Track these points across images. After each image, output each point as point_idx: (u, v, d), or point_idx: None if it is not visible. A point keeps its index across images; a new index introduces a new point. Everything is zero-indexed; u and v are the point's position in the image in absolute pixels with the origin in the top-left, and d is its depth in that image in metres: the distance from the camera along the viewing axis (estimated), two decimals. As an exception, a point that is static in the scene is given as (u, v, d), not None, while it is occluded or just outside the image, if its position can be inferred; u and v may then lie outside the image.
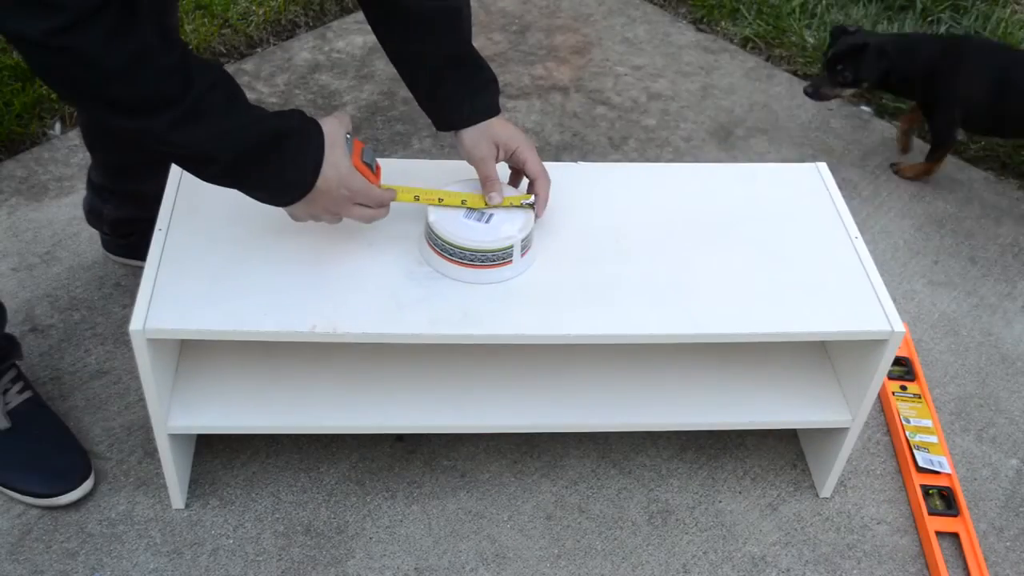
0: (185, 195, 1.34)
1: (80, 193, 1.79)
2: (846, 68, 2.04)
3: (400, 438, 1.55)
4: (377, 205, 1.22)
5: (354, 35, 2.45)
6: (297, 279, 1.25)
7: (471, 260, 1.24)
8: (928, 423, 1.63)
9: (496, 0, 2.64)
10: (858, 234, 1.41)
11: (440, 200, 1.29)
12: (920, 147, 2.20)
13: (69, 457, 1.43)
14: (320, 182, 1.14)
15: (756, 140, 2.24)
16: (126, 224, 1.67)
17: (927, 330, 1.82)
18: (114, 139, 1.35)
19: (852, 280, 1.34)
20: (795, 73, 2.48)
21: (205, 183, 1.35)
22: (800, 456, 1.59)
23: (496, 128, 1.30)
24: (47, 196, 1.89)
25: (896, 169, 2.16)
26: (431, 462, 1.52)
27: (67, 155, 1.98)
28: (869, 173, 2.18)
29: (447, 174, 1.43)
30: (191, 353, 1.39)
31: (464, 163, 1.33)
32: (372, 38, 2.42)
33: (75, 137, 2.02)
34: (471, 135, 1.30)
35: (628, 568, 1.41)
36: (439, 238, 1.25)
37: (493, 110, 1.31)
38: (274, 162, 1.12)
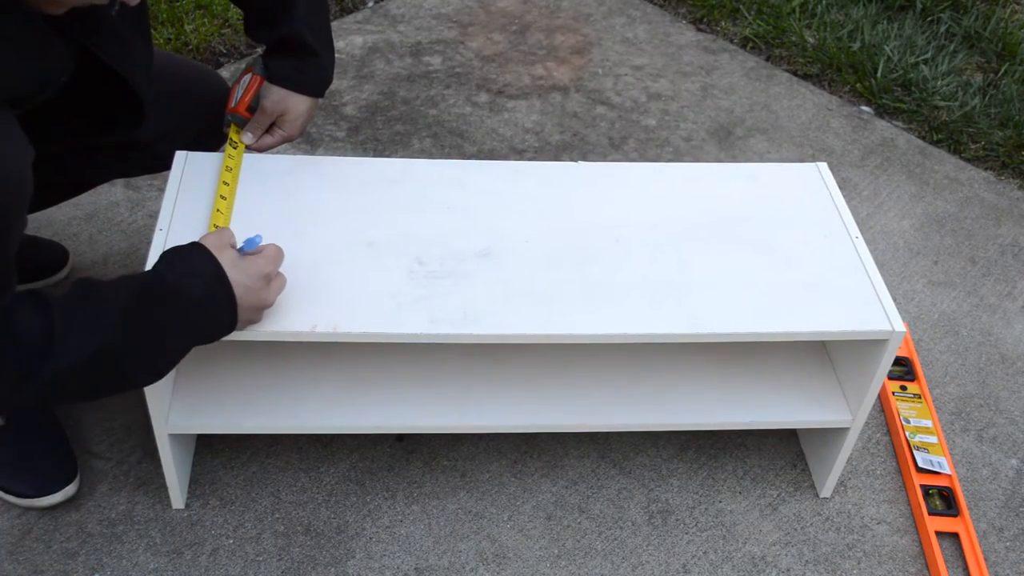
0: (185, 195, 1.33)
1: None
2: None
3: (400, 438, 1.55)
4: (277, 266, 1.19)
5: (354, 35, 2.45)
6: (297, 279, 1.25)
7: None
8: (928, 423, 1.63)
9: (496, 0, 2.64)
10: (858, 234, 1.41)
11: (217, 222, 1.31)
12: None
13: (56, 459, 1.42)
14: (233, 286, 1.11)
15: (756, 140, 2.24)
16: None
17: (927, 330, 1.82)
18: None
19: (852, 280, 1.34)
20: (795, 73, 2.48)
21: (203, 185, 1.36)
22: (800, 456, 1.59)
23: (293, 101, 1.42)
24: (47, 196, 1.89)
25: None
26: (431, 462, 1.52)
27: (67, 155, 1.99)
28: (869, 173, 2.18)
29: (445, 174, 1.44)
30: (191, 353, 1.39)
31: (465, 163, 1.33)
32: (372, 38, 2.43)
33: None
34: (279, 93, 1.41)
35: (628, 568, 1.42)
36: None
37: (301, 87, 1.42)
38: (170, 297, 1.08)
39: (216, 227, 1.26)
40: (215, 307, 1.11)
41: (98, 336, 1.03)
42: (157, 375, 1.13)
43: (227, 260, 1.12)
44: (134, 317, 1.05)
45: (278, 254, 1.19)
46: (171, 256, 1.12)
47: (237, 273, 1.11)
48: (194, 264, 1.11)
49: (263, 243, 1.19)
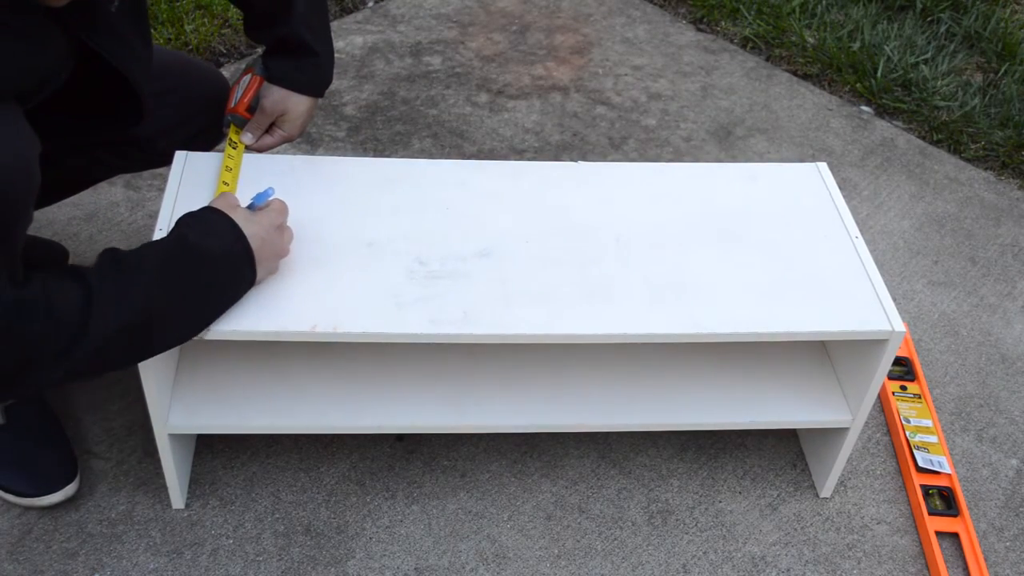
0: (185, 196, 1.33)
1: (80, 193, 1.79)
2: None
3: (400, 438, 1.55)
4: (286, 217, 1.26)
5: (354, 35, 2.45)
6: (297, 279, 1.25)
7: None
8: (928, 423, 1.63)
9: (496, 0, 2.64)
10: (858, 234, 1.41)
11: (225, 184, 1.36)
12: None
13: (56, 458, 1.42)
14: (249, 240, 1.17)
15: (756, 140, 2.24)
16: None
17: (927, 330, 1.82)
18: None
19: (852, 280, 1.34)
20: (795, 73, 2.48)
21: (203, 185, 1.36)
22: (800, 456, 1.59)
23: (292, 101, 1.42)
24: (47, 196, 1.89)
25: None
26: (431, 462, 1.52)
27: (67, 155, 1.98)
28: (869, 173, 2.18)
29: (445, 174, 1.44)
30: (191, 353, 1.39)
31: (465, 163, 1.33)
32: (372, 38, 2.43)
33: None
34: (279, 93, 1.42)
35: (628, 568, 1.42)
36: None
37: (300, 87, 1.43)
38: (193, 257, 1.13)
39: (221, 192, 1.29)
40: (236, 263, 1.16)
41: (133, 303, 1.07)
42: (187, 336, 1.16)
43: (240, 217, 1.17)
44: (164, 280, 1.10)
45: (284, 206, 1.26)
46: (189, 220, 1.17)
47: (253, 227, 1.18)
48: (211, 225, 1.16)
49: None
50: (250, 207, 1.23)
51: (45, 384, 1.08)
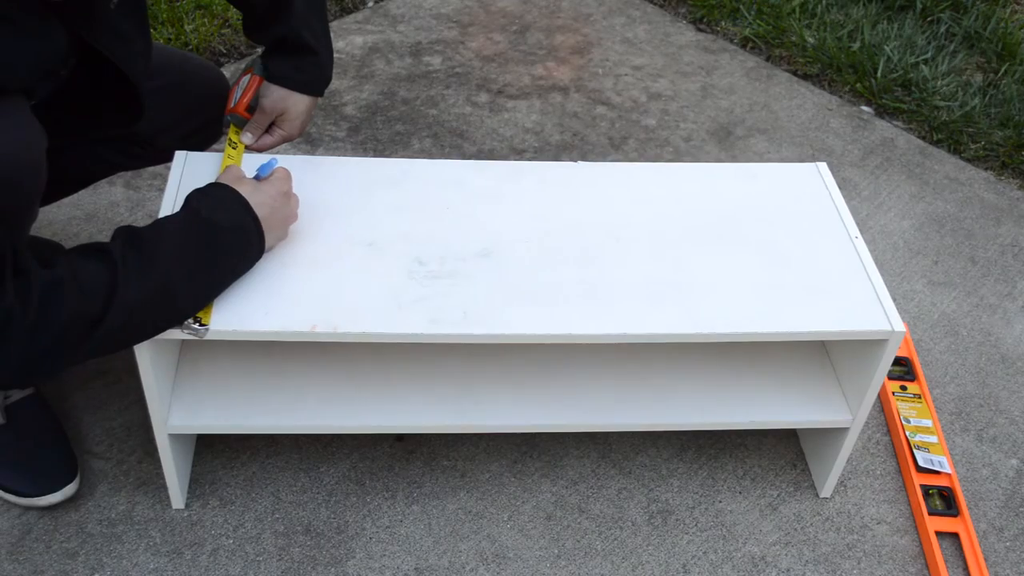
0: (185, 195, 1.33)
1: (79, 193, 1.79)
2: None
3: (400, 438, 1.55)
4: (290, 184, 1.31)
5: (354, 35, 2.45)
6: (297, 279, 1.25)
7: None
8: (928, 423, 1.63)
9: (496, 0, 2.64)
10: (858, 234, 1.41)
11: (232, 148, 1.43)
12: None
13: (56, 459, 1.42)
14: (257, 209, 1.22)
15: (756, 140, 2.24)
16: None
17: (927, 330, 1.82)
18: None
19: (852, 280, 1.34)
20: (795, 73, 2.48)
21: (202, 184, 1.37)
22: (800, 456, 1.59)
23: (292, 100, 1.44)
24: (47, 196, 1.89)
25: None
26: (431, 462, 1.52)
27: (67, 155, 1.98)
28: (869, 173, 2.18)
29: (445, 174, 1.44)
30: (191, 353, 1.39)
31: (465, 163, 1.33)
32: (372, 38, 2.43)
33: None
34: (279, 92, 1.43)
35: (628, 568, 1.42)
36: None
37: (300, 86, 1.45)
38: (214, 230, 1.18)
39: (226, 167, 1.32)
40: (245, 233, 1.21)
41: (154, 275, 1.12)
42: (204, 304, 1.20)
43: (247, 189, 1.22)
44: (181, 253, 1.15)
45: (288, 173, 1.30)
46: (198, 195, 1.21)
47: (259, 196, 1.22)
48: (220, 199, 1.20)
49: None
50: (255, 179, 1.26)
51: (77, 359, 1.12)
